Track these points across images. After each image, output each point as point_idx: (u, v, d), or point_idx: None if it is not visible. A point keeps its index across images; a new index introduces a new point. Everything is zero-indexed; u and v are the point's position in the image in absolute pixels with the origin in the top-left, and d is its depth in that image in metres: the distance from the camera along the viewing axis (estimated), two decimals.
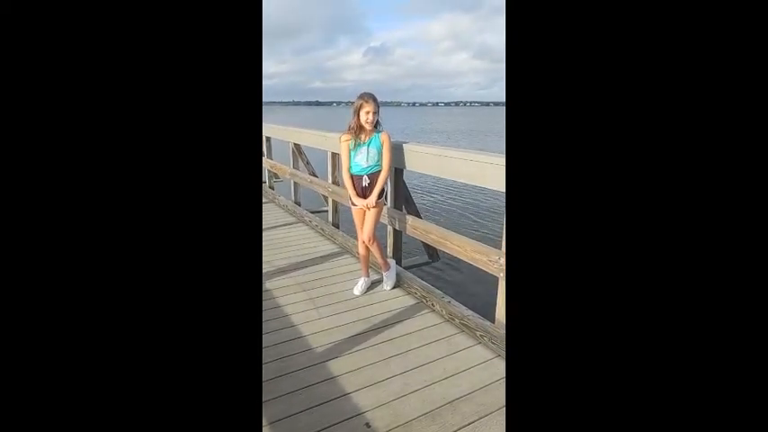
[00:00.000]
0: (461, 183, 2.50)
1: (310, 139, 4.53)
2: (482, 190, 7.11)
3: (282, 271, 2.94)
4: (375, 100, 2.43)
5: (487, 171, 2.17)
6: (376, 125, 2.47)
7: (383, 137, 2.48)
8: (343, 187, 2.72)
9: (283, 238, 3.69)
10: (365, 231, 2.56)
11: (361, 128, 2.45)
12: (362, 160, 2.49)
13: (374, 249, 2.60)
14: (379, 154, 2.49)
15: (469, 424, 1.54)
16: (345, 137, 2.52)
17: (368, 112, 2.41)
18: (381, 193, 2.54)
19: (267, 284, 2.72)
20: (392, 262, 2.76)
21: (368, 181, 2.52)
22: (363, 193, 2.54)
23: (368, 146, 2.47)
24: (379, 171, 2.52)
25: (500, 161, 2.07)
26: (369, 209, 2.52)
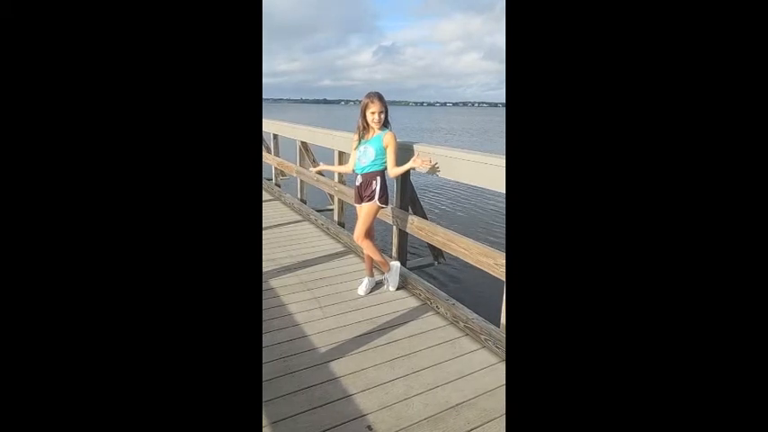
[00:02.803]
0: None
1: (317, 137, 4.54)
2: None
3: (287, 269, 2.94)
4: (381, 99, 2.36)
5: (498, 174, 2.14)
6: (385, 124, 2.40)
7: (387, 137, 2.39)
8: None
9: (288, 236, 3.69)
10: (355, 229, 2.52)
11: (366, 127, 2.42)
12: (360, 158, 2.45)
13: (366, 248, 2.51)
14: (378, 153, 2.40)
15: (473, 429, 1.52)
16: (355, 137, 2.50)
17: (373, 113, 2.35)
18: (373, 195, 2.43)
19: (271, 282, 2.71)
20: (396, 263, 2.70)
21: (360, 180, 2.47)
22: (358, 192, 2.50)
23: (367, 143, 2.42)
24: (374, 171, 2.42)
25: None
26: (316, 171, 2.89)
